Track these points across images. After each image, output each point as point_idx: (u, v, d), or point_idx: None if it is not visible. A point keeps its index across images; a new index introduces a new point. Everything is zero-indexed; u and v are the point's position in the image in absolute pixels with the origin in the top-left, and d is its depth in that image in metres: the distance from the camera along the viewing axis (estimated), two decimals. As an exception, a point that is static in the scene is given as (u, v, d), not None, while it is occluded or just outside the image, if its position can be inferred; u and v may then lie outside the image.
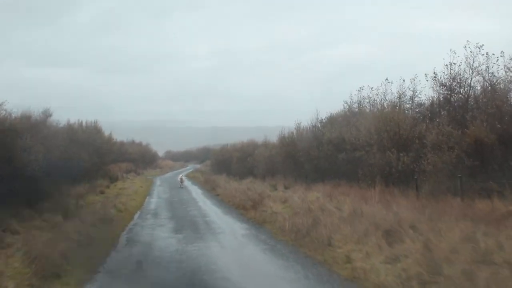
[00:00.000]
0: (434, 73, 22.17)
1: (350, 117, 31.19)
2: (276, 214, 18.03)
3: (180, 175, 47.76)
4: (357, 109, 32.03)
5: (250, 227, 17.02)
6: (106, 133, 48.96)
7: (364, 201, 18.20)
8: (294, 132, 40.92)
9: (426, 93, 31.43)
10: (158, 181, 50.55)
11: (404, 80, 25.95)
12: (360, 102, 31.64)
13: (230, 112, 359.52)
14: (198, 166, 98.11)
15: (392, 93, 28.67)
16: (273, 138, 50.34)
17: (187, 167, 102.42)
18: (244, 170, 51.89)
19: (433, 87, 22.58)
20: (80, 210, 21.36)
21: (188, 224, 17.88)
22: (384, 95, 29.55)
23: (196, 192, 35.01)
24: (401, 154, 22.26)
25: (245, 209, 21.37)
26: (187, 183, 46.77)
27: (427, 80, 22.96)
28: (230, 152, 60.67)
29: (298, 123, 40.66)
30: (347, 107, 32.88)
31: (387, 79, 28.99)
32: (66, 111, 39.29)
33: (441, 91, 22.87)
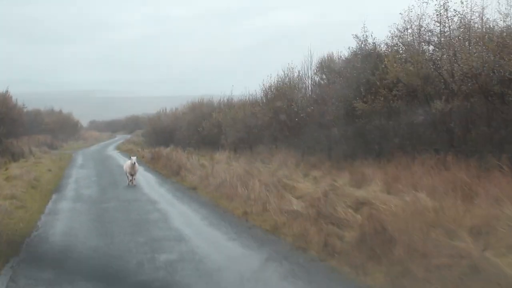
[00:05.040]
0: None
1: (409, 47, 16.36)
2: None
3: (131, 160, 17.14)
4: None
5: None
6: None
7: None
8: (286, 79, 25.52)
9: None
10: (80, 159, 33.09)
11: None
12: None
13: (158, 81, 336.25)
14: (128, 136, 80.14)
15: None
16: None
17: (116, 138, 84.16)
18: (197, 139, 36.01)
19: None
20: None
21: None
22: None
23: (148, 181, 18.36)
24: None
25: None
26: (122, 159, 30.00)
27: None
28: (175, 116, 44.32)
29: (290, 68, 25.33)
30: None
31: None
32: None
33: None
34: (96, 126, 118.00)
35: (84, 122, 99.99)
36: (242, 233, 8.84)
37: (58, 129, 62.93)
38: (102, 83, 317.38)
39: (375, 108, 16.00)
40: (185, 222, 10.21)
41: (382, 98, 15.77)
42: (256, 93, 31.26)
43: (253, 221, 9.65)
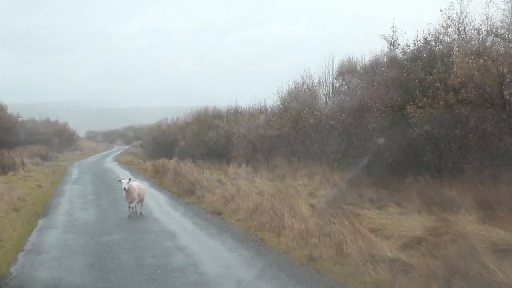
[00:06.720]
0: None
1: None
2: None
3: (126, 182, 11.91)
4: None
5: None
6: None
7: None
8: (305, 85, 22.55)
9: None
10: (75, 172, 29.61)
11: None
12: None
13: (155, 92, 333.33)
14: (126, 147, 76.55)
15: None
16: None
17: (114, 149, 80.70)
18: (203, 150, 32.65)
19: None
20: None
21: None
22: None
23: (157, 201, 14.65)
24: None
25: None
26: (122, 172, 26.66)
27: None
28: (177, 126, 40.95)
29: (308, 73, 22.55)
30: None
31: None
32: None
33: None
34: (93, 136, 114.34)
35: (81, 133, 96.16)
36: (323, 299, 5.55)
37: (53, 139, 59.42)
38: (100, 94, 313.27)
39: (433, 115, 12.84)
40: (226, 272, 6.85)
41: (442, 103, 12.63)
42: (265, 101, 28.36)
43: (329, 273, 6.33)
